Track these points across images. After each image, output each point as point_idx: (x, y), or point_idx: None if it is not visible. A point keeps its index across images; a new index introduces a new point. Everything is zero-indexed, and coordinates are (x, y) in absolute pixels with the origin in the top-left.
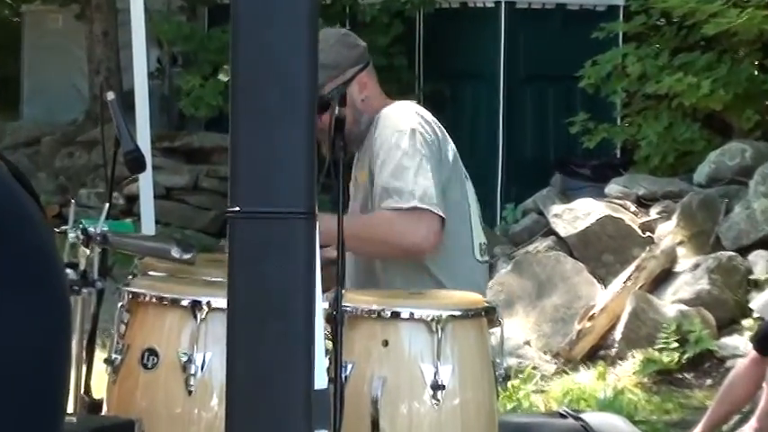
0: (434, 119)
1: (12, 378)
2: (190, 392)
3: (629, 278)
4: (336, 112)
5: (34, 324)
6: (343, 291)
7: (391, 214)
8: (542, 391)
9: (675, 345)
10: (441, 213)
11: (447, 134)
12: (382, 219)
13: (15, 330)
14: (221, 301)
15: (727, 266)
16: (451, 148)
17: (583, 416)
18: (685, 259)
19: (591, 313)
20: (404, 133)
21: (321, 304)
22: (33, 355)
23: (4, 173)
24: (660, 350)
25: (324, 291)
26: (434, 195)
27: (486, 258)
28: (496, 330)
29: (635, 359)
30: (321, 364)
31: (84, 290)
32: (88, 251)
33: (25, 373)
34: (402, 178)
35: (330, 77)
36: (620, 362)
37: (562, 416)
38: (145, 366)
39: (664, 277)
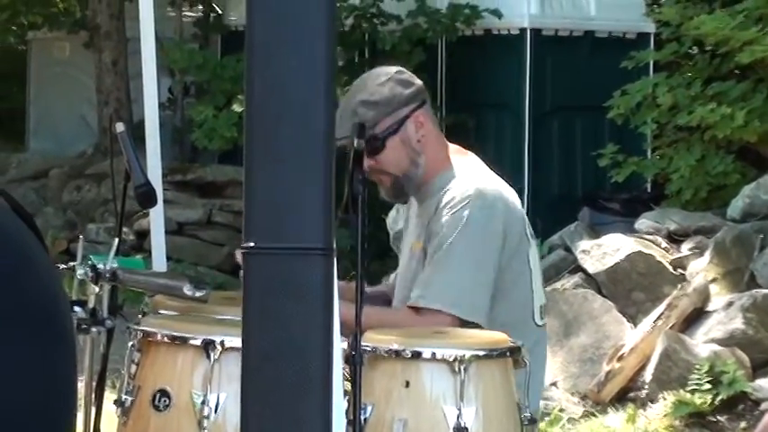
0: (497, 190)
1: (14, 427)
2: None
3: (659, 317)
4: (355, 144)
5: (35, 372)
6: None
7: (412, 316)
8: None
9: (708, 386)
10: (462, 317)
11: (515, 200)
12: (403, 319)
13: (15, 381)
14: (235, 341)
15: (763, 305)
16: (517, 218)
17: None
18: (718, 297)
19: (620, 353)
20: (458, 222)
21: (339, 343)
22: (35, 404)
23: (4, 210)
24: (692, 392)
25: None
26: (463, 296)
27: (545, 320)
28: (522, 371)
29: (666, 401)
30: (340, 405)
31: (94, 329)
32: (97, 288)
33: (28, 421)
34: (438, 274)
35: (383, 115)
36: (650, 404)
37: None
38: (156, 408)
39: (696, 316)
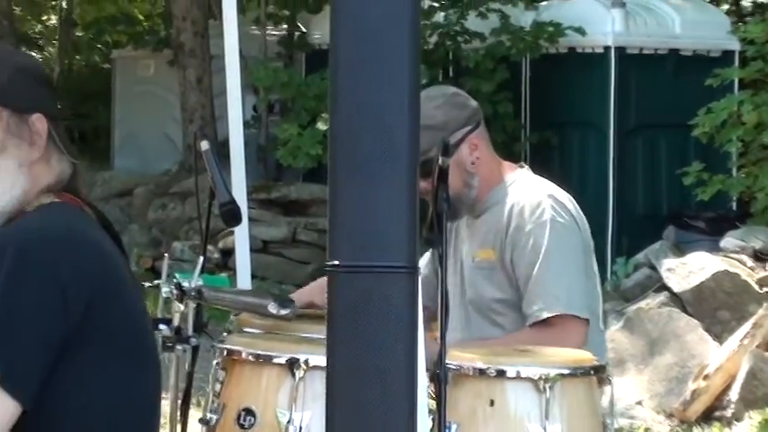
0: (564, 193)
1: None
2: None
3: (745, 336)
4: (440, 161)
5: (131, 389)
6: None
7: (537, 334)
8: None
9: None
10: (585, 316)
11: (576, 205)
12: (528, 341)
13: (115, 396)
14: (320, 359)
15: None
16: (584, 222)
17: None
18: None
19: (705, 372)
20: (544, 226)
21: (424, 362)
22: (127, 421)
23: (96, 231)
24: None
25: None
26: (578, 295)
27: (605, 327)
28: (606, 389)
29: (752, 420)
30: (424, 424)
31: (179, 347)
32: (182, 306)
33: None
34: (545, 282)
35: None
36: (736, 423)
37: None
38: (242, 426)
39: None
